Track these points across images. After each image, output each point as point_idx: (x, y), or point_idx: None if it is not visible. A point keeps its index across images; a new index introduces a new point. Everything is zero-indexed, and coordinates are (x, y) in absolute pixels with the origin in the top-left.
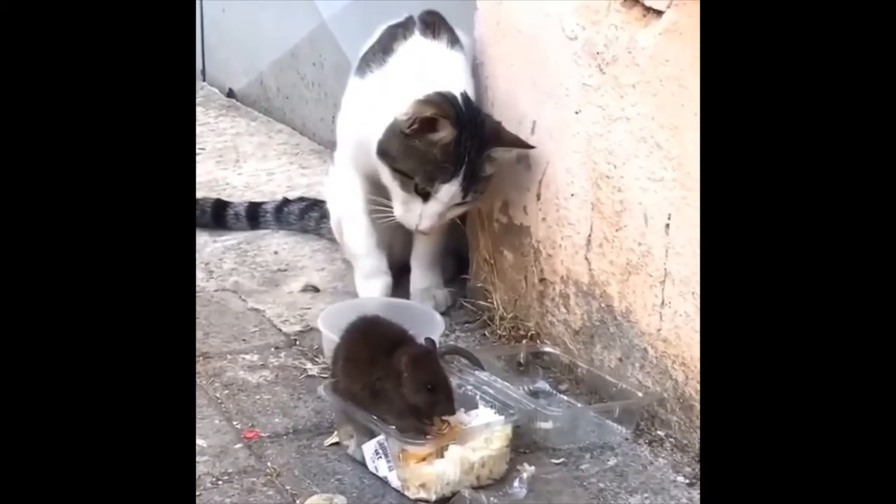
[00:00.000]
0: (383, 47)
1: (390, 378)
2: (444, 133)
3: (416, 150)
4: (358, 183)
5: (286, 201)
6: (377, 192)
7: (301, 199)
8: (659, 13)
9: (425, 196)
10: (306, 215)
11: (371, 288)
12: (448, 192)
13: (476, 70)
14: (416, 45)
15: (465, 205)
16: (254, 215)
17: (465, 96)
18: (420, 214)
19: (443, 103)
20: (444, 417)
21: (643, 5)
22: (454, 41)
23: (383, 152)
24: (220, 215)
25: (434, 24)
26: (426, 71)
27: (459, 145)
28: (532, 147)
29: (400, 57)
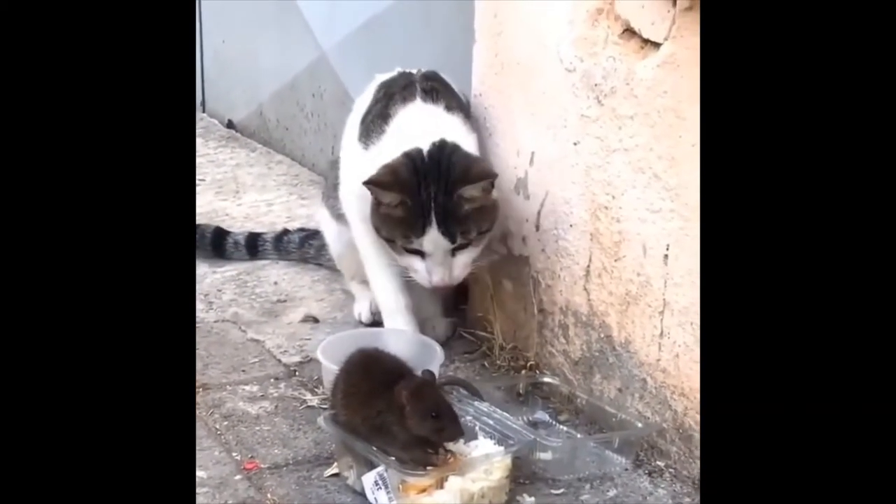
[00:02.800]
0: (382, 114)
1: (392, 411)
2: (389, 198)
3: (387, 216)
4: (371, 239)
5: (286, 231)
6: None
7: (301, 229)
8: (656, 45)
9: (420, 254)
10: (306, 244)
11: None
12: (431, 242)
13: (476, 112)
14: (413, 112)
15: (470, 247)
16: (253, 245)
17: (435, 144)
18: (427, 270)
19: (384, 171)
20: (451, 445)
21: (641, 37)
22: (453, 106)
23: (376, 229)
24: (219, 244)
25: (434, 91)
26: (417, 133)
27: (419, 195)
28: (495, 175)
29: (397, 125)
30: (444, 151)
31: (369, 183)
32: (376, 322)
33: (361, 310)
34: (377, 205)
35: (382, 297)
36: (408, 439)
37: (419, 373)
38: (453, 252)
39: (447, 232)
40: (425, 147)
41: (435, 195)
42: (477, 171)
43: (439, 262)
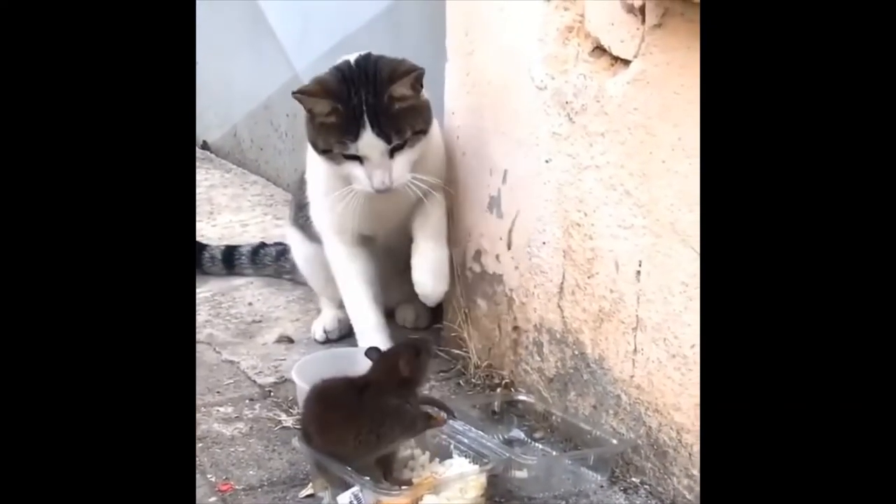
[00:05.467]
0: None
1: (381, 409)
2: (320, 106)
3: (322, 125)
4: (343, 251)
5: (262, 245)
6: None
7: (278, 242)
8: (626, 62)
9: (359, 160)
10: (282, 258)
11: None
12: (366, 145)
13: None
14: None
15: (406, 148)
16: (230, 259)
17: (362, 55)
18: (367, 175)
19: (312, 82)
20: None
21: (611, 55)
22: None
23: (313, 144)
24: (197, 258)
25: None
26: None
27: (349, 101)
28: (421, 70)
29: None
30: (370, 59)
31: (298, 93)
32: (329, 340)
33: (316, 329)
34: (311, 117)
35: (356, 315)
36: (416, 415)
37: (368, 362)
38: (391, 154)
39: (381, 133)
40: (353, 58)
41: (365, 98)
42: (403, 69)
43: (377, 164)
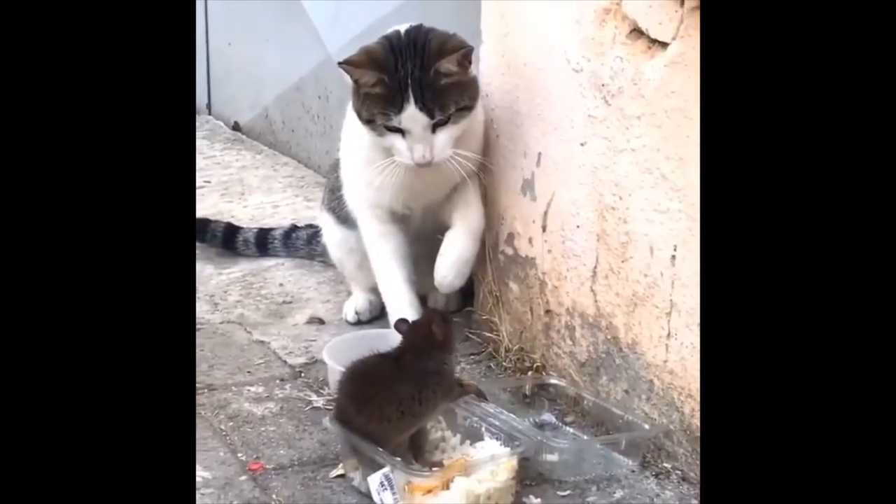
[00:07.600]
0: None
1: (420, 357)
2: (366, 77)
3: (367, 95)
4: (378, 229)
5: (294, 227)
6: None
7: (309, 225)
8: (664, 45)
9: (401, 133)
10: (313, 241)
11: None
12: (409, 118)
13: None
14: None
15: (450, 124)
16: (263, 242)
17: (413, 26)
18: (409, 149)
19: (360, 52)
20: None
21: (648, 37)
22: None
23: (357, 113)
24: (230, 240)
25: None
26: None
27: (396, 73)
28: (470, 47)
29: None
30: (420, 31)
31: (344, 63)
32: (360, 321)
33: (347, 310)
34: (357, 87)
35: (388, 293)
36: (453, 379)
37: (399, 335)
38: (433, 129)
39: (425, 108)
40: (403, 29)
41: (412, 71)
42: (452, 45)
43: (419, 139)
